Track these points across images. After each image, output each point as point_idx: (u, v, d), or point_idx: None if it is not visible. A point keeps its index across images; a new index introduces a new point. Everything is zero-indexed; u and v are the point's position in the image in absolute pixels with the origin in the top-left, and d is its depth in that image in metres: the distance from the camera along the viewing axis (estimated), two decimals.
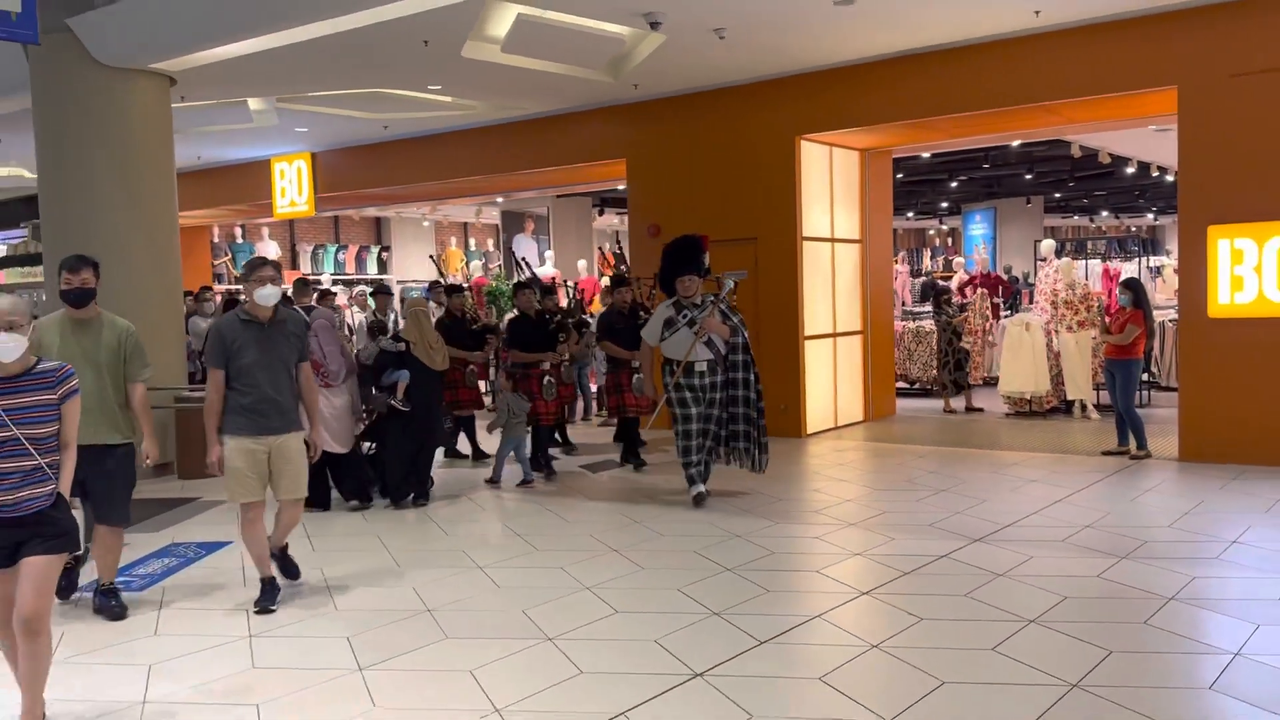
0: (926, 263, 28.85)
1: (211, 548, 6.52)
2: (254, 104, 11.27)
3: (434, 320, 9.78)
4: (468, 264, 24.22)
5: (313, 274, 20.78)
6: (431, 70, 9.77)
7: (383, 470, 7.81)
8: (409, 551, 6.30)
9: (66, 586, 5.21)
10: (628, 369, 8.91)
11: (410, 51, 8.90)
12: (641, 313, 9.35)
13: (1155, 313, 11.61)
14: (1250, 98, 7.97)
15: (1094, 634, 4.40)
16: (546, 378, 8.52)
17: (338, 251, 22.65)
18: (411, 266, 23.65)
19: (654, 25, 8.17)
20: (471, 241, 26.22)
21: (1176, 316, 9.30)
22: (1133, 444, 8.58)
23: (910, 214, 27.53)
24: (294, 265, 21.75)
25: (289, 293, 10.63)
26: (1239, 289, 8.05)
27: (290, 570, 5.57)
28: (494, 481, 8.34)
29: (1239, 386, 8.08)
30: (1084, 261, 12.70)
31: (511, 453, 8.38)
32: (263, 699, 4.00)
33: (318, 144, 14.15)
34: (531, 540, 6.49)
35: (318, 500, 7.26)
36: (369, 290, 12.76)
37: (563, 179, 13.94)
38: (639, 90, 10.70)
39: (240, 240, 21.19)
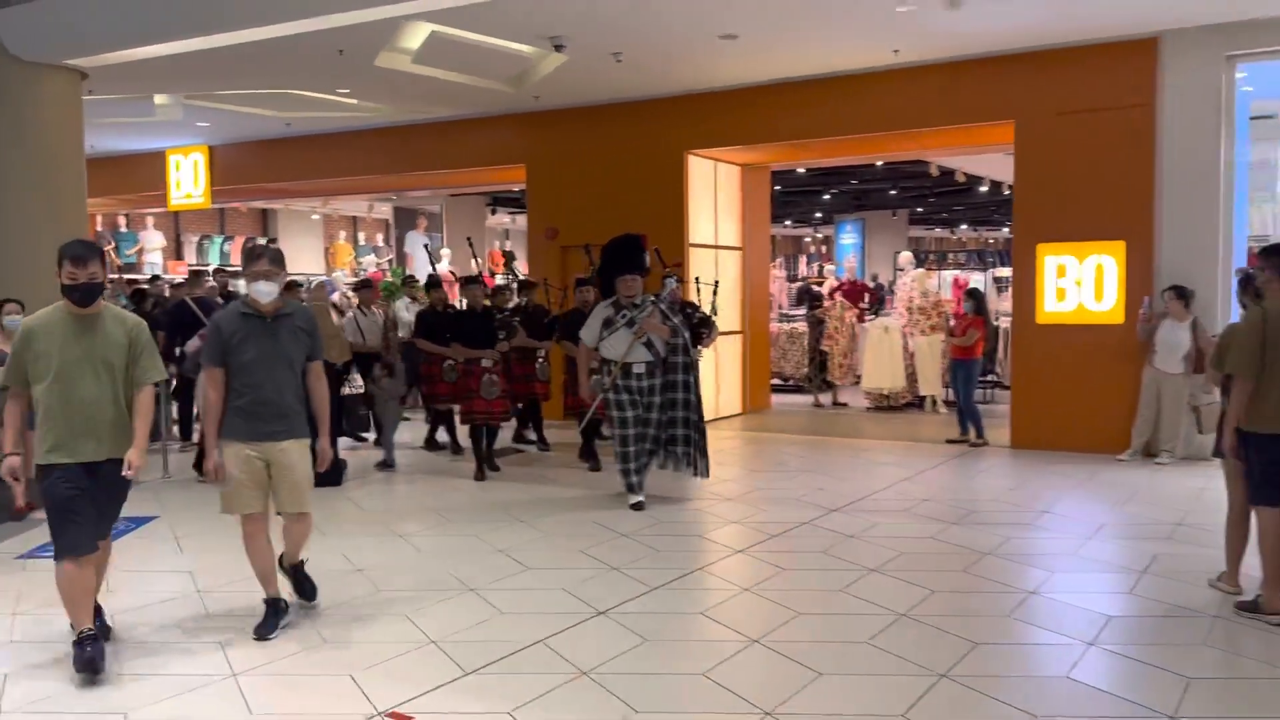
0: (802, 268, 30.36)
1: (139, 521, 6.96)
2: (159, 98, 11.50)
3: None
4: (357, 258, 24.41)
5: (198, 265, 20.70)
6: (343, 76, 10.27)
7: None
8: (331, 523, 6.88)
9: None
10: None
11: (325, 59, 9.41)
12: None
13: (1004, 319, 12.99)
14: (1074, 133, 9.22)
15: (922, 579, 5.39)
16: (487, 375, 8.31)
17: (224, 243, 22.51)
18: (299, 259, 23.68)
19: (558, 47, 8.93)
20: (361, 236, 26.34)
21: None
22: (972, 433, 9.78)
23: (788, 222, 28.96)
24: (178, 256, 21.61)
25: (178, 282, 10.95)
26: (1062, 299, 9.31)
27: (305, 589, 4.98)
28: (386, 465, 8.92)
29: (1061, 384, 9.34)
30: (938, 272, 14.01)
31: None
32: (225, 638, 4.60)
33: (216, 138, 14.34)
34: (445, 514, 7.17)
35: None
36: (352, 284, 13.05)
37: (462, 180, 14.55)
38: (540, 101, 11.41)
39: (124, 229, 20.92)
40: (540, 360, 9.45)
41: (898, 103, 9.96)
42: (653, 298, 7.30)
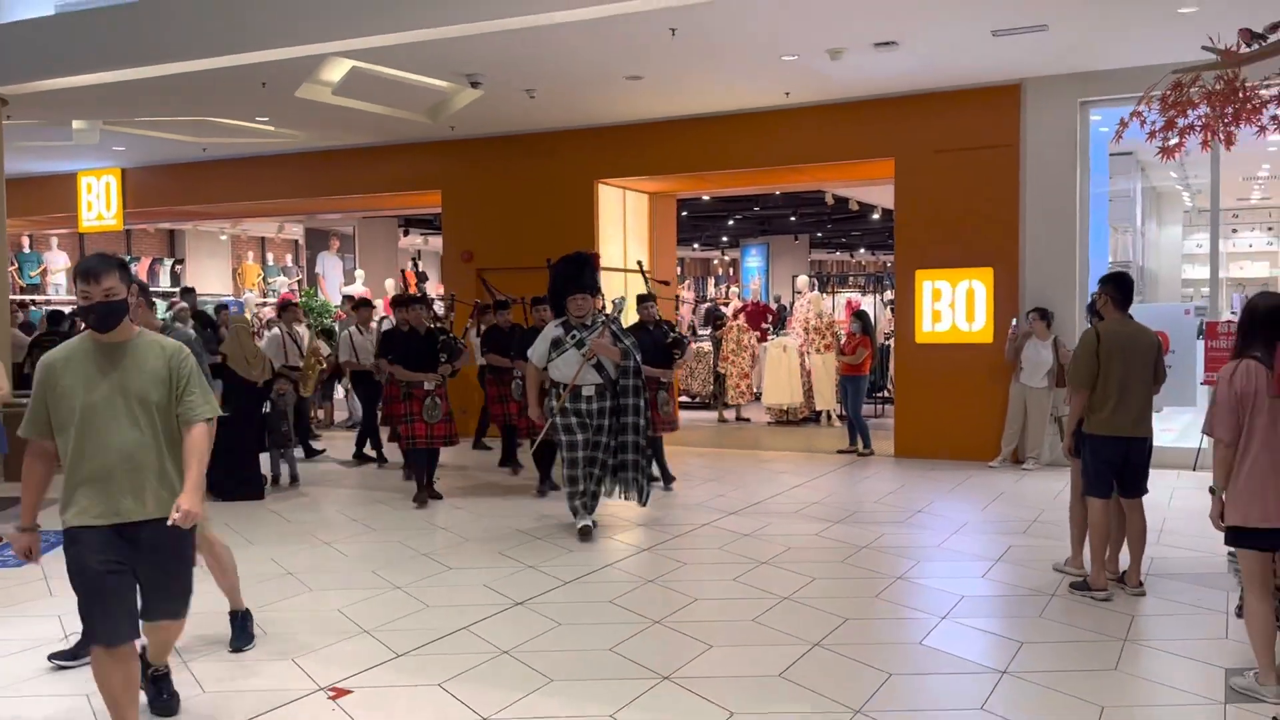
0: (711, 289, 31.31)
1: None
2: (77, 123, 11.65)
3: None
4: (265, 279, 24.38)
5: None
6: (264, 105, 10.62)
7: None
8: (259, 533, 7.26)
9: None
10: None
11: (247, 90, 9.77)
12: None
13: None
14: (948, 169, 10.14)
15: (806, 569, 6.06)
16: (429, 398, 8.15)
17: (130, 263, 22.24)
18: (207, 280, 23.55)
19: (475, 84, 9.48)
20: (269, 256, 26.27)
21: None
22: (860, 443, 10.58)
23: (695, 245, 29.84)
24: None
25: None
26: (938, 320, 10.20)
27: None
28: (293, 481, 9.26)
29: (938, 398, 10.21)
30: (833, 295, 14.93)
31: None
32: None
33: (129, 160, 14.43)
34: (367, 523, 7.60)
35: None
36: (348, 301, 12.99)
37: (379, 204, 14.91)
38: (455, 131, 11.91)
39: (27, 249, 20.60)
40: (516, 380, 9.18)
41: (790, 139, 10.77)
42: (603, 317, 7.06)
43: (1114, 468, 5.56)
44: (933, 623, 5.09)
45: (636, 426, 7.00)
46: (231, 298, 21.75)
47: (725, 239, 27.98)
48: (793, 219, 21.44)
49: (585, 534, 6.84)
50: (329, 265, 21.61)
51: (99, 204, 14.94)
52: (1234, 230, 19.69)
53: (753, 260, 27.17)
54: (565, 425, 6.88)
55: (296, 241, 24.85)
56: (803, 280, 14.47)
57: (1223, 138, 6.31)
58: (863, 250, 32.45)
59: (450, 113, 10.82)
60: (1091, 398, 5.58)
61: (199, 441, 3.58)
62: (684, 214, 19.12)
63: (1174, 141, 6.28)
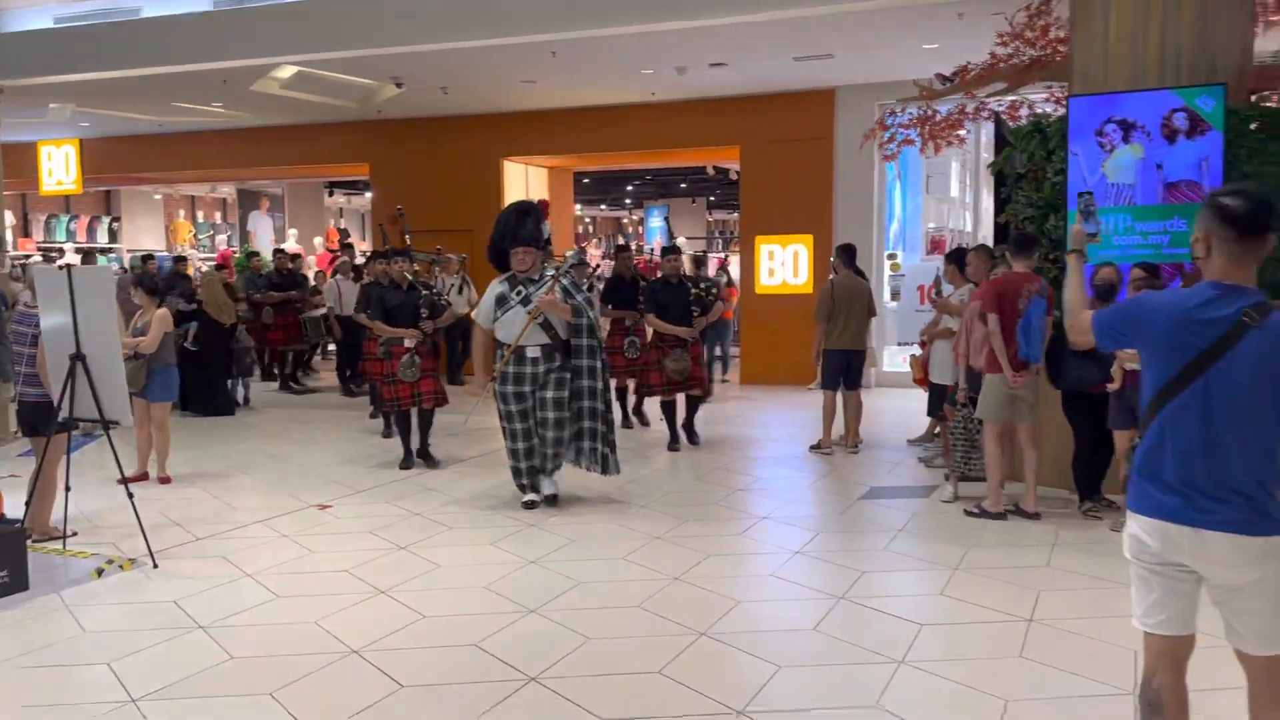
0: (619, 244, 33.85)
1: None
2: (54, 105, 13.55)
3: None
4: (196, 235, 26.08)
5: (44, 242, 22.23)
6: (221, 95, 12.73)
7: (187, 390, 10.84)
8: (241, 436, 9.62)
9: None
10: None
11: (210, 84, 11.89)
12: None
13: None
14: (781, 156, 12.76)
15: (669, 459, 8.71)
16: (407, 355, 7.79)
17: (69, 221, 23.80)
18: (141, 237, 25.17)
19: (398, 85, 11.77)
20: (200, 214, 27.84)
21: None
22: (720, 373, 13.29)
23: (603, 206, 32.28)
24: (26, 234, 22.88)
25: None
26: (772, 276, 12.90)
27: None
28: (245, 402, 11.52)
29: (773, 337, 12.93)
30: (707, 254, 17.66)
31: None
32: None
33: (88, 132, 16.25)
34: (329, 432, 10.01)
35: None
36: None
37: (312, 172, 17.03)
38: (381, 114, 14.13)
39: None
40: (631, 338, 9.37)
41: (658, 128, 13.30)
42: (553, 271, 6.60)
43: (840, 370, 8.36)
44: (744, 471, 7.79)
45: (594, 391, 6.55)
46: (164, 253, 23.52)
47: (629, 201, 30.50)
48: (683, 185, 24.08)
49: (530, 506, 6.58)
50: (260, 224, 23.53)
51: (59, 171, 16.70)
52: None
53: (655, 220, 29.72)
54: (502, 394, 6.44)
55: (225, 200, 26.48)
56: (681, 241, 17.09)
57: (932, 148, 9.12)
58: None
59: (377, 101, 13.06)
60: (828, 326, 8.33)
61: None
62: (585, 181, 21.54)
63: (892, 150, 9.07)
